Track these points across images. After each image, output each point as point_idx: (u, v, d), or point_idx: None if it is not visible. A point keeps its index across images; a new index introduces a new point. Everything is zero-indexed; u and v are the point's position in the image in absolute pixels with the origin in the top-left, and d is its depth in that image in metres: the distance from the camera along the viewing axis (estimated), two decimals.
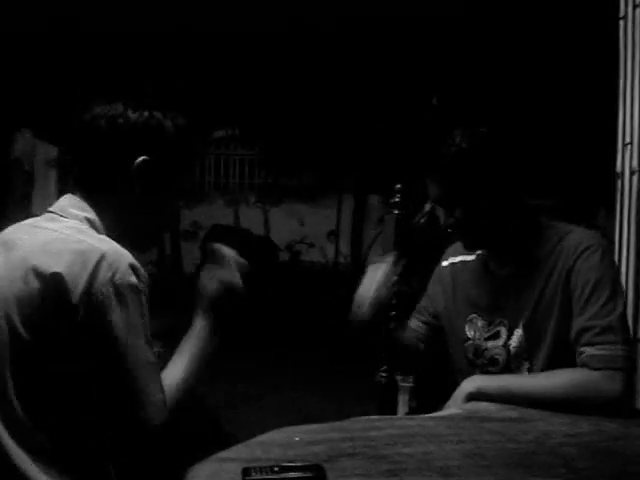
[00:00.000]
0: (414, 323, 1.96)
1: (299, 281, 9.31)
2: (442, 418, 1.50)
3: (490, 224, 1.70)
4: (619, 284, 1.66)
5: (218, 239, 1.44)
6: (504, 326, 1.72)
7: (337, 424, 1.43)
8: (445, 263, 1.92)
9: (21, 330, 1.21)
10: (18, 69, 5.96)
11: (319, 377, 5.18)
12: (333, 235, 10.66)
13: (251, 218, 10.44)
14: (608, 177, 2.60)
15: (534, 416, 1.49)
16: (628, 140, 2.48)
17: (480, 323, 1.76)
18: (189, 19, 6.51)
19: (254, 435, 1.34)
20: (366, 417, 1.52)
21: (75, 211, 1.34)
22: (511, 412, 1.51)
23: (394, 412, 2.28)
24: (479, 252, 1.82)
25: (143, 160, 1.35)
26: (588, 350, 1.55)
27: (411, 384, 2.38)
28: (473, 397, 1.57)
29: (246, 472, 1.05)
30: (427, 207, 2.46)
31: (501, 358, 1.72)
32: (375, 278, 1.78)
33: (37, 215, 1.39)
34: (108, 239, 1.30)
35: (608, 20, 2.62)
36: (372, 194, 9.82)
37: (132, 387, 1.22)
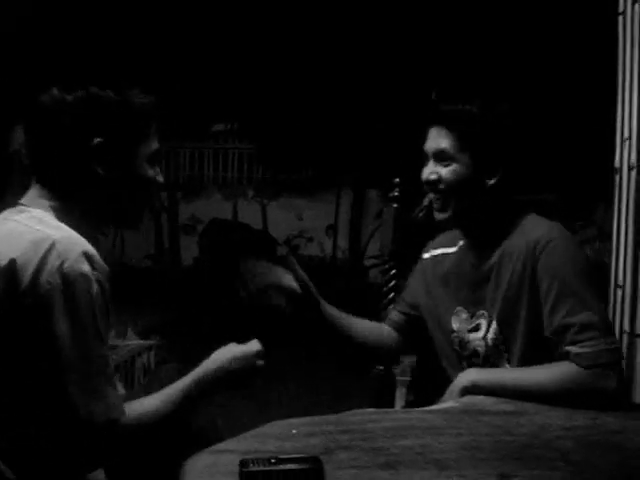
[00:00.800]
0: (392, 313, 1.99)
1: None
2: (439, 411, 1.51)
3: (473, 196, 1.69)
4: (589, 275, 1.64)
5: (216, 233, 1.44)
6: (485, 318, 1.73)
7: (334, 417, 1.44)
8: (426, 255, 1.92)
9: None
10: (17, 62, 5.95)
11: (317, 371, 5.18)
12: (331, 229, 10.63)
13: (249, 212, 10.39)
14: (606, 172, 2.59)
15: (530, 409, 1.49)
16: (627, 135, 2.46)
17: (464, 315, 1.77)
18: (189, 13, 6.51)
19: (251, 429, 1.35)
20: (363, 410, 1.52)
21: (42, 200, 1.33)
22: (507, 405, 1.51)
23: (391, 405, 2.28)
24: (460, 244, 1.82)
25: (97, 142, 1.31)
26: (573, 349, 1.55)
27: (408, 378, 2.38)
28: (468, 391, 1.58)
29: (243, 464, 1.05)
30: (426, 201, 2.45)
31: (481, 350, 1.73)
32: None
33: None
34: (65, 227, 1.27)
35: (607, 15, 2.62)
36: (371, 188, 9.81)
37: (76, 382, 1.17)
